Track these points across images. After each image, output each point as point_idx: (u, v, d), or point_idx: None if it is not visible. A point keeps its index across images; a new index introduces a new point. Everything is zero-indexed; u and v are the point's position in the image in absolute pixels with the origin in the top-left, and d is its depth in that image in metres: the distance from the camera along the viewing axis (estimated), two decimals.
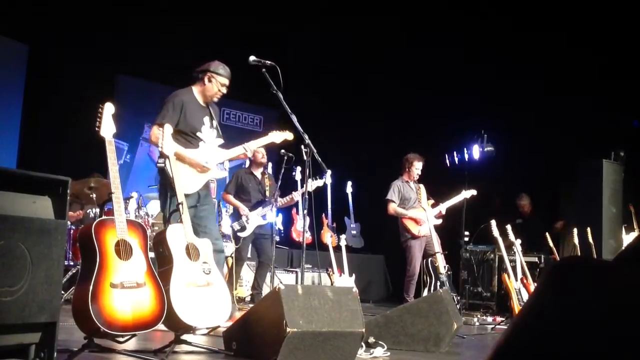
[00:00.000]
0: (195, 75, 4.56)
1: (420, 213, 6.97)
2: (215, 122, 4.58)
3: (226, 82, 4.55)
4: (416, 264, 6.93)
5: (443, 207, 7.11)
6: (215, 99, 4.60)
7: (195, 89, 4.55)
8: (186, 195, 4.09)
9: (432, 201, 7.12)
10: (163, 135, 3.70)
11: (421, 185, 7.15)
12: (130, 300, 2.99)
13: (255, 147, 4.84)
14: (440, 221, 7.11)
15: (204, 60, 4.64)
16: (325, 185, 7.32)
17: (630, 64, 8.02)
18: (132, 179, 9.35)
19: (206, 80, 4.50)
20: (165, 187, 4.17)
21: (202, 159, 4.38)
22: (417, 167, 7.17)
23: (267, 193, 6.73)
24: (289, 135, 4.91)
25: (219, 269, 3.79)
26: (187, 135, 4.39)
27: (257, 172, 6.82)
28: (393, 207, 7.09)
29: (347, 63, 10.02)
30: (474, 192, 7.33)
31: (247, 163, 7.05)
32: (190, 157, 4.33)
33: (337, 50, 9.92)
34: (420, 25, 9.39)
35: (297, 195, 6.75)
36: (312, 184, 5.92)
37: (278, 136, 4.85)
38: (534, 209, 9.18)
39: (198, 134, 4.43)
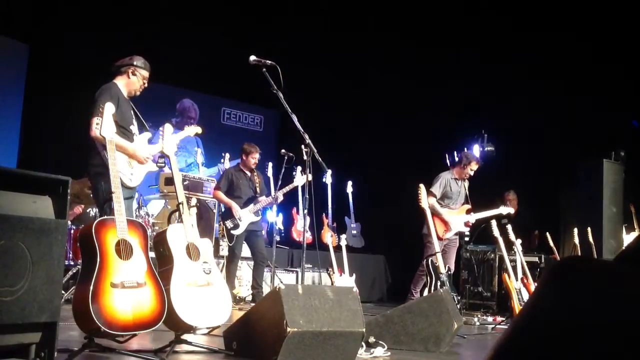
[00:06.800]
0: (116, 69, 4.54)
1: (452, 217, 6.78)
2: (139, 115, 4.58)
3: (147, 75, 4.58)
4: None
5: (473, 218, 6.87)
6: (138, 93, 4.61)
7: (120, 83, 4.51)
8: (130, 188, 4.24)
9: (468, 206, 6.93)
10: (163, 135, 3.70)
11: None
12: (130, 300, 2.99)
13: (178, 139, 4.69)
14: (467, 230, 6.95)
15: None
16: (325, 184, 7.32)
17: (631, 63, 8.02)
18: None
19: (130, 74, 4.51)
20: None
21: (143, 153, 4.38)
22: (473, 168, 6.91)
23: (258, 189, 6.81)
24: (199, 130, 5.02)
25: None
26: (123, 129, 4.34)
27: (247, 170, 6.89)
28: (431, 201, 6.55)
29: (347, 63, 10.01)
30: (511, 210, 7.20)
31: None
32: (133, 150, 4.30)
33: (337, 50, 9.92)
34: (420, 25, 9.39)
35: (297, 181, 6.85)
36: (302, 179, 6.02)
37: (193, 130, 4.95)
38: (520, 207, 9.15)
39: (131, 127, 4.43)
